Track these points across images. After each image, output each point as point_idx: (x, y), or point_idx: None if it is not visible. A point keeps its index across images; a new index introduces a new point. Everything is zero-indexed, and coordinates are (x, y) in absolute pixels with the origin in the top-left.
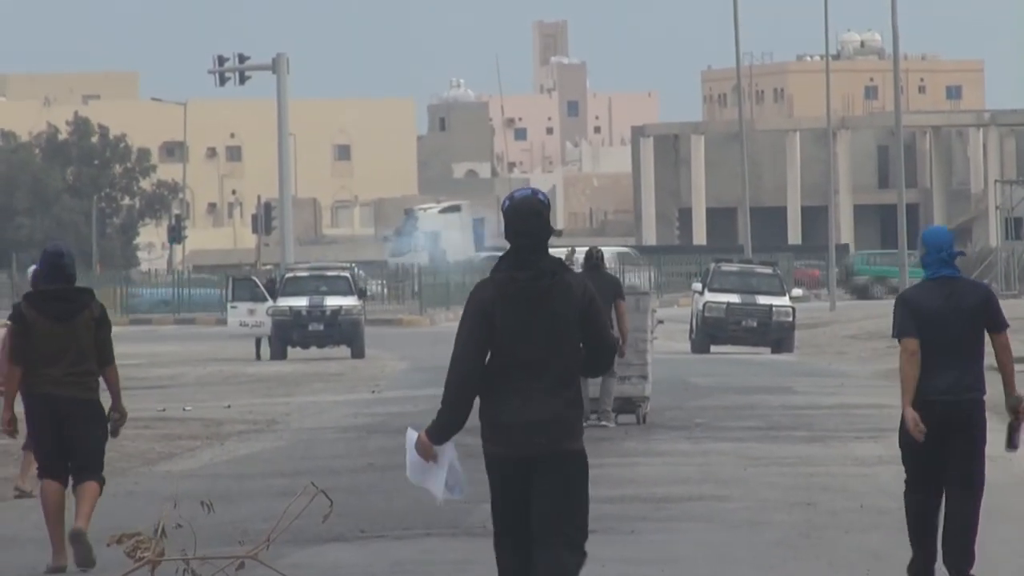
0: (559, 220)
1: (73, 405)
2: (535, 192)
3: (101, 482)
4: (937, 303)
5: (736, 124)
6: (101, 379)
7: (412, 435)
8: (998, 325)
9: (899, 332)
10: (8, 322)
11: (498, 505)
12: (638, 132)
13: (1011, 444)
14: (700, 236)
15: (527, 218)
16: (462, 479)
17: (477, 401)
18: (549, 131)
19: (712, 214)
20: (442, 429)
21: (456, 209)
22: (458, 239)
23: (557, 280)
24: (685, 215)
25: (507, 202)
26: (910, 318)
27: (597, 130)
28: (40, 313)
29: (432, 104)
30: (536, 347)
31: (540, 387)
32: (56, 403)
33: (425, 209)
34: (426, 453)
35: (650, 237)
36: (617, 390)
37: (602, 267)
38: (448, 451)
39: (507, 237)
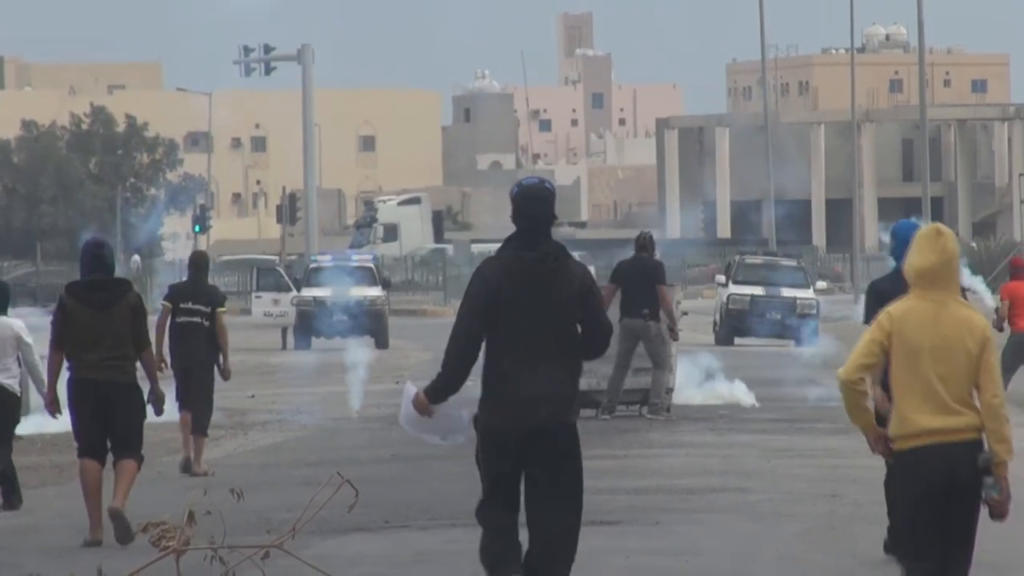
0: (583, 212)
1: (112, 388)
2: (542, 180)
3: (139, 460)
4: (902, 292)
5: (761, 117)
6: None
7: (411, 389)
8: None
9: (866, 320)
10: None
11: (491, 473)
12: (663, 124)
13: None
14: (724, 229)
15: (534, 203)
16: (463, 424)
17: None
18: (574, 123)
19: (736, 206)
20: (439, 392)
21: (416, 201)
22: (417, 231)
23: (560, 263)
24: (709, 207)
25: (516, 188)
26: (876, 307)
27: (622, 122)
28: (80, 302)
29: (457, 95)
30: (537, 325)
31: (540, 363)
32: (96, 387)
33: (384, 201)
34: (422, 410)
35: (674, 229)
36: (642, 381)
37: (648, 250)
38: (447, 405)
39: (514, 220)
